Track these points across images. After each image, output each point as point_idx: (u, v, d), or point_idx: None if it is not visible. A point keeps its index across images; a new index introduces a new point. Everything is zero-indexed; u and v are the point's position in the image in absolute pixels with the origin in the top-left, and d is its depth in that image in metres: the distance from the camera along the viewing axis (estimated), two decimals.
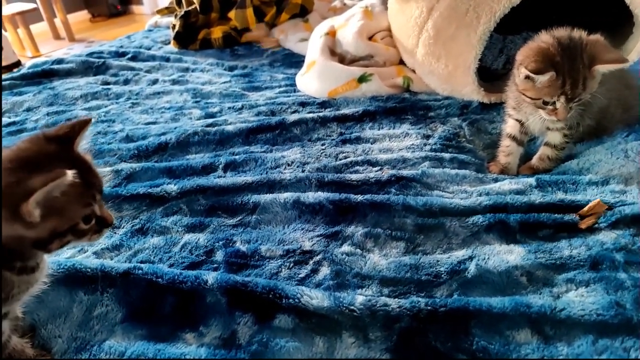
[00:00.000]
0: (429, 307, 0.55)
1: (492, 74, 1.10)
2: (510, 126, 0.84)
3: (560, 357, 0.50)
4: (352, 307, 0.55)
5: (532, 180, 0.78)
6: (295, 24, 1.61)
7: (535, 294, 0.58)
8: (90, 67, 1.45)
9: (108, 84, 1.35)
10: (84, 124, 0.46)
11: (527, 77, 0.71)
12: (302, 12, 1.67)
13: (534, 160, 0.84)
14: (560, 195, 0.74)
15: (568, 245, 0.64)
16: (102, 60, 1.48)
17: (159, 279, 0.59)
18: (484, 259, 0.62)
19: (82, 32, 3.24)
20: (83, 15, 3.59)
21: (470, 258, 0.63)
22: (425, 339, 0.53)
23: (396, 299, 0.56)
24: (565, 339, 0.52)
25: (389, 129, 0.98)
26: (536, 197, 0.73)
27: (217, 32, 1.60)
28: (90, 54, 1.56)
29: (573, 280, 0.59)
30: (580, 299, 0.56)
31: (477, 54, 0.97)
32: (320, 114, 1.04)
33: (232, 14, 1.61)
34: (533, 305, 0.54)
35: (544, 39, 0.71)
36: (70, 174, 0.39)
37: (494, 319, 0.54)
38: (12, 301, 0.46)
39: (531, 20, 1.19)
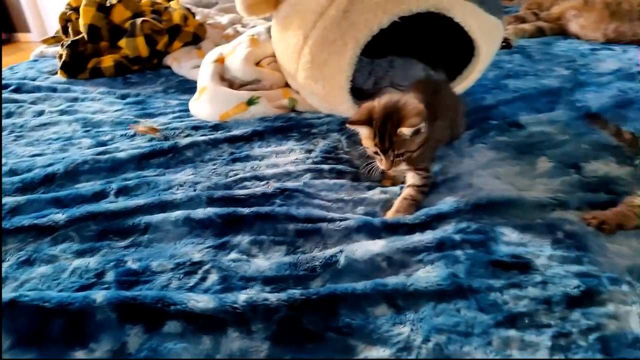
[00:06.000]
0: (303, 297, 0.63)
1: (364, 93, 1.25)
2: None
3: None
4: (235, 305, 0.61)
5: (396, 190, 0.90)
6: (189, 51, 1.65)
7: (393, 275, 0.69)
8: None
9: None
10: None
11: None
12: (195, 40, 1.72)
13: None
14: None
15: (420, 234, 0.77)
16: None
17: (46, 303, 0.61)
18: (352, 251, 0.73)
19: None
20: None
21: (341, 251, 0.73)
22: (300, 324, 0.61)
23: (276, 294, 0.64)
24: (413, 307, 0.63)
25: (276, 146, 1.07)
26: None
27: (107, 61, 1.59)
28: None
29: (422, 260, 0.71)
30: (427, 274, 0.68)
31: (348, 76, 1.11)
32: (212, 137, 1.10)
33: (122, 43, 1.61)
34: (389, 284, 0.65)
35: (382, 99, 0.84)
36: None
37: (358, 299, 0.63)
38: None
39: (395, 46, 1.37)
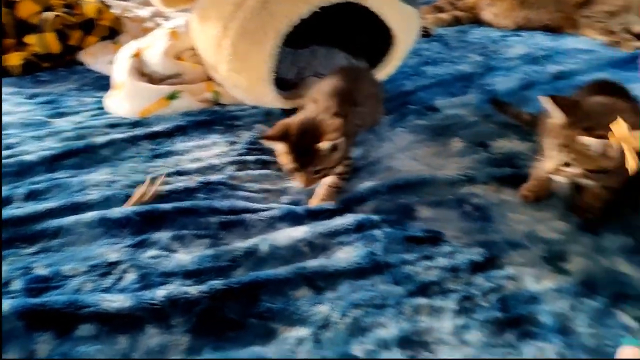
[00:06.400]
0: (224, 287, 0.63)
1: (288, 83, 1.26)
2: None
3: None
4: (153, 302, 0.60)
5: None
6: (105, 46, 1.57)
7: (314, 258, 0.71)
8: None
9: None
10: None
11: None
12: (112, 34, 1.64)
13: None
14: None
15: (341, 217, 0.79)
16: None
17: None
18: (275, 238, 0.73)
19: None
20: None
21: (263, 240, 0.73)
22: (221, 313, 0.61)
23: (196, 286, 0.64)
24: (332, 287, 0.65)
25: (199, 141, 1.05)
26: None
27: (14, 59, 1.47)
28: None
29: (342, 242, 0.74)
30: (346, 255, 0.70)
31: (270, 67, 1.10)
32: (131, 134, 1.06)
33: (30, 39, 1.50)
34: (309, 267, 0.67)
35: (299, 115, 0.83)
36: None
37: (279, 284, 0.65)
38: None
39: (317, 36, 1.39)
